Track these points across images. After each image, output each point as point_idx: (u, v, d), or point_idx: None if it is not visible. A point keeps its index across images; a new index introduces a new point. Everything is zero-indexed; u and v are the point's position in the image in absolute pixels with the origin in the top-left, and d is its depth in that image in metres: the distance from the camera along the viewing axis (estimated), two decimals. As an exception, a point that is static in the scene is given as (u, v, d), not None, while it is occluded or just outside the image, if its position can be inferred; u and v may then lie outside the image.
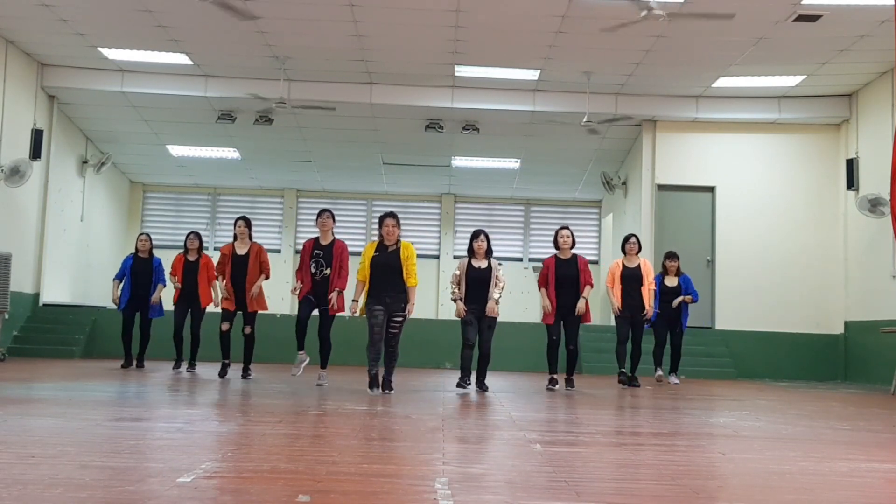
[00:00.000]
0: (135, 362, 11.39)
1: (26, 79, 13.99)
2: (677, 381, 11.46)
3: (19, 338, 14.02)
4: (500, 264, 9.28)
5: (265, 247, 10.38)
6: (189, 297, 10.93)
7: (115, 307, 11.63)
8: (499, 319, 9.18)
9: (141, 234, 11.93)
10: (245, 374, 9.86)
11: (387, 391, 8.21)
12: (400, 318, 8.29)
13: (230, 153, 17.59)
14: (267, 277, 10.01)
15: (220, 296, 10.15)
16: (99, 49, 13.33)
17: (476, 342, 9.02)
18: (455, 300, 9.11)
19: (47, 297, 15.08)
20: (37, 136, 14.16)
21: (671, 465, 4.44)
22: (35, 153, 14.04)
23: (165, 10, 11.53)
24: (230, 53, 13.34)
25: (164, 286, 11.49)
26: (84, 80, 14.42)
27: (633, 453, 4.92)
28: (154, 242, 11.82)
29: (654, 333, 11.33)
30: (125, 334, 11.40)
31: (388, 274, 8.21)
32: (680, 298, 11.22)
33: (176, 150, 17.54)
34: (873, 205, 13.07)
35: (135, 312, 11.41)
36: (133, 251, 11.68)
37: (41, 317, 14.66)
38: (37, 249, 14.73)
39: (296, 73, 14.02)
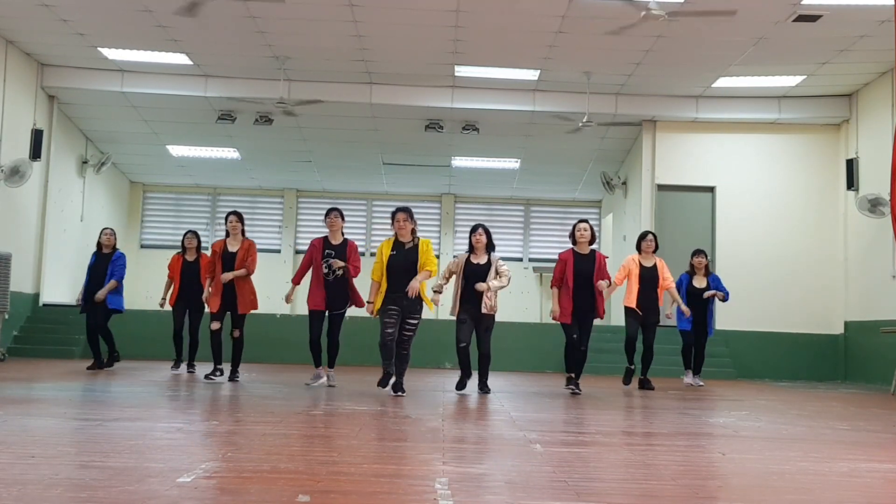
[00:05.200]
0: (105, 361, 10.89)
1: (26, 79, 13.99)
2: (701, 384, 11.28)
3: (19, 338, 14.02)
4: (502, 261, 8.88)
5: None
6: (188, 299, 10.64)
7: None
8: (498, 318, 8.91)
9: (105, 228, 11.20)
10: (233, 376, 9.45)
11: (399, 393, 7.99)
12: (415, 321, 8.09)
13: (230, 153, 17.59)
14: (248, 273, 9.37)
15: (206, 293, 9.52)
16: (99, 49, 13.33)
17: (470, 342, 8.70)
18: (434, 291, 8.68)
19: (47, 297, 15.08)
20: (37, 136, 14.16)
21: (671, 465, 4.44)
22: (35, 153, 14.04)
23: (165, 10, 11.52)
24: (230, 53, 13.33)
25: (118, 283, 10.69)
26: (84, 80, 14.42)
27: (633, 453, 4.92)
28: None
29: (682, 336, 11.20)
30: (90, 335, 10.88)
31: (403, 274, 8.00)
32: (711, 292, 11.15)
33: (176, 150, 17.54)
34: (873, 205, 13.07)
35: (95, 311, 10.78)
36: (97, 248, 10.92)
37: (41, 317, 14.65)
38: (37, 249, 14.73)
39: (296, 73, 14.02)
